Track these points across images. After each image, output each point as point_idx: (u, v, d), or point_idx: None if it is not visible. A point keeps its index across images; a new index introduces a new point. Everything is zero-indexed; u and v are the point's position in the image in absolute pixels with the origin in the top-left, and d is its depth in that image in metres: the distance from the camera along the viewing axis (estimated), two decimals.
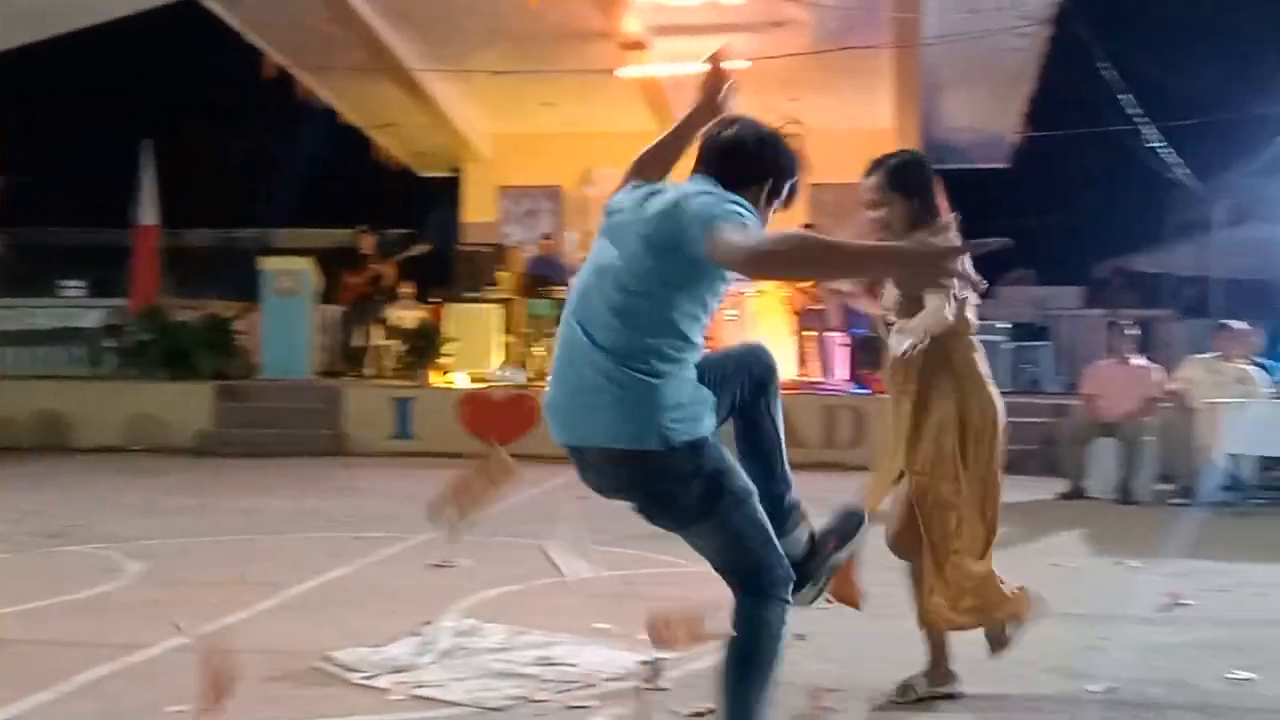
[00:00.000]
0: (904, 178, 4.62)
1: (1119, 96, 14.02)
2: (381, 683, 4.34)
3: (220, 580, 6.24)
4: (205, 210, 21.56)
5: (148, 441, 12.82)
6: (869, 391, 12.81)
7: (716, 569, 3.46)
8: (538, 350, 14.41)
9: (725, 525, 3.29)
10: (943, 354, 4.32)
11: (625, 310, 3.12)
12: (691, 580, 6.33)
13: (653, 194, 3.40)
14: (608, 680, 4.36)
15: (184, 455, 12.35)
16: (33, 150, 21.51)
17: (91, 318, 15.12)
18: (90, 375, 14.42)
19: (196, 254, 21.25)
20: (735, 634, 3.31)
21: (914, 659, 4.78)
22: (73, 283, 17.25)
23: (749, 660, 3.26)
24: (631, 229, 3.28)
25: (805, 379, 13.99)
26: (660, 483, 3.21)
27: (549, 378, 3.52)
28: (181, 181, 17.04)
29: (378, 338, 14.84)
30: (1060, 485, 9.96)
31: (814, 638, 5.03)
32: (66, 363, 14.95)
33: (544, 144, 16.83)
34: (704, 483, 3.17)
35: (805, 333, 14.42)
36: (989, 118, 16.12)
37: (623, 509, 3.46)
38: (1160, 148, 15.30)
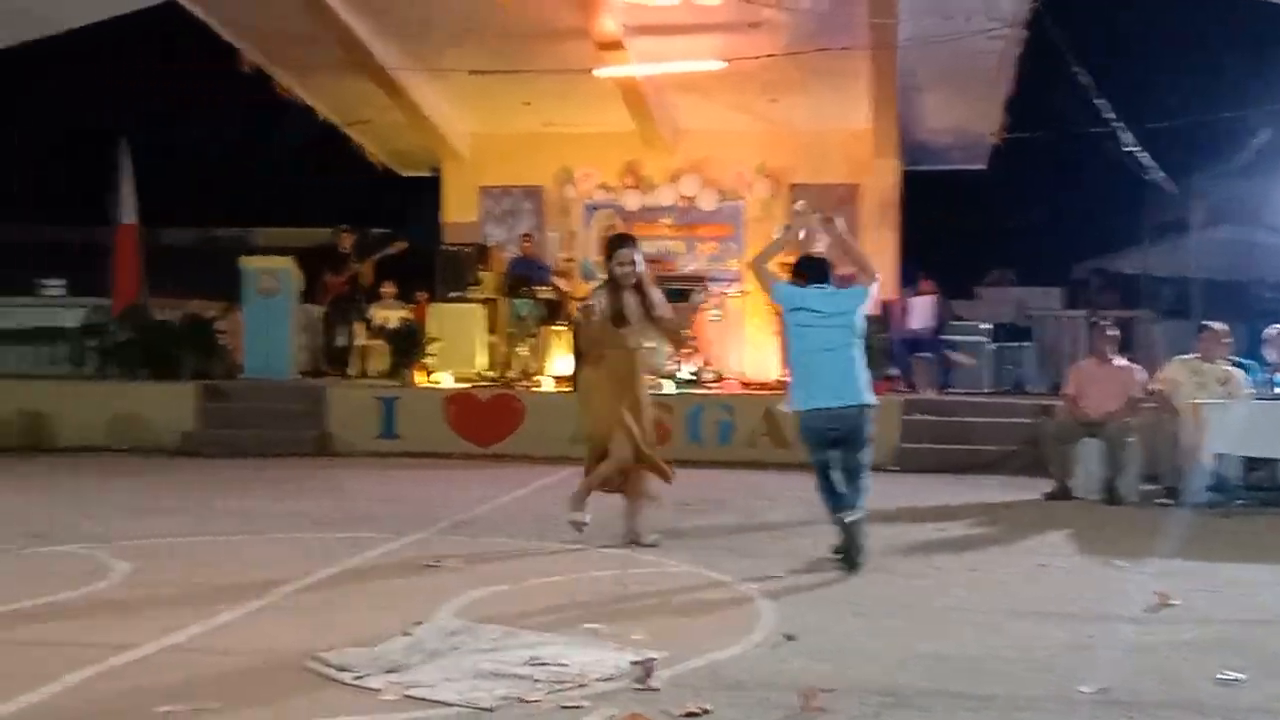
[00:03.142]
0: None
1: (1095, 100, 14.09)
2: (373, 683, 4.34)
3: (208, 580, 6.22)
4: (185, 209, 21.48)
5: (131, 441, 12.76)
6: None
7: (850, 469, 6.92)
8: (522, 351, 14.42)
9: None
10: None
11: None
12: (678, 580, 6.38)
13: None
14: (599, 680, 4.37)
15: (168, 455, 12.30)
16: (11, 148, 21.41)
17: (72, 317, 15.03)
18: (72, 375, 14.34)
19: (177, 253, 21.13)
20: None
21: (904, 657, 4.82)
22: (53, 281, 17.11)
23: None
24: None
25: (789, 380, 14.01)
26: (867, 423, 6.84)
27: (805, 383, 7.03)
28: (161, 180, 16.96)
29: (361, 337, 14.81)
30: (1046, 485, 10.02)
31: (804, 637, 5.06)
32: (48, 362, 14.85)
33: (524, 143, 16.82)
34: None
35: None
36: (967, 119, 16.19)
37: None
38: (1136, 151, 15.38)
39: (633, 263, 7.26)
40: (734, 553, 7.14)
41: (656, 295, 7.38)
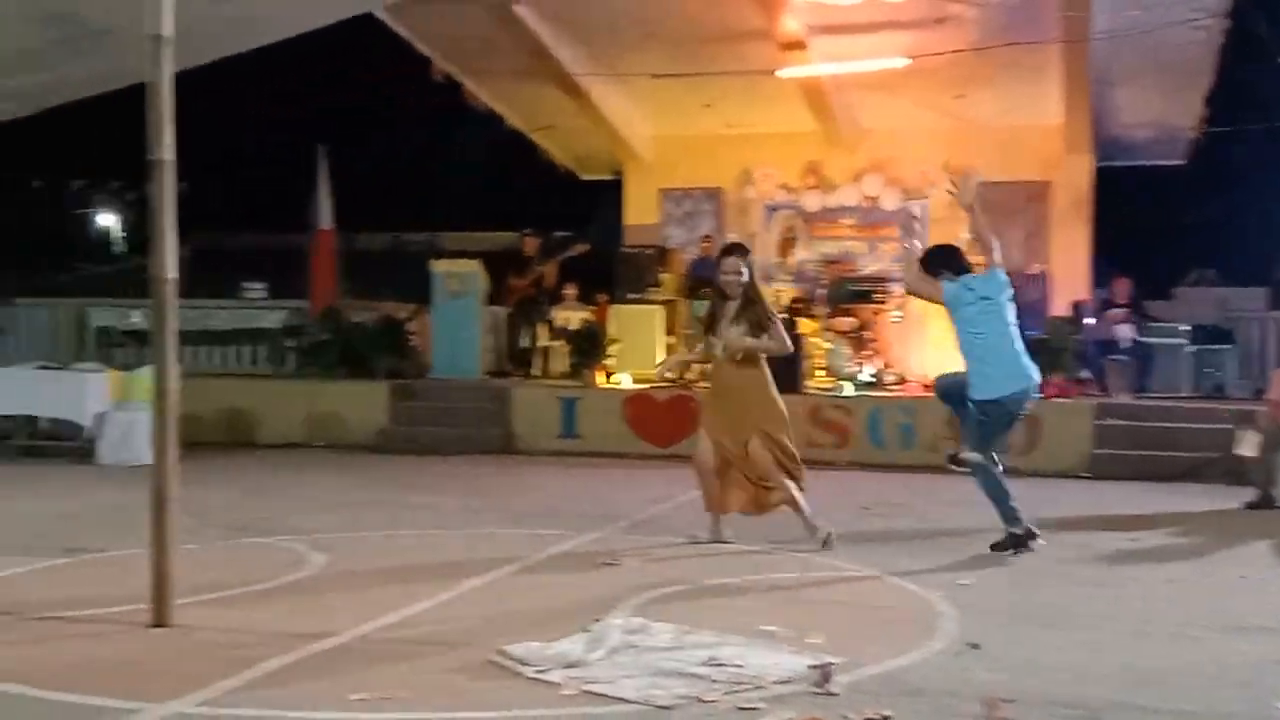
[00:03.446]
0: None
1: None
2: (553, 677, 4.41)
3: (398, 573, 6.43)
4: (378, 214, 22.21)
5: (328, 438, 13.29)
6: (1040, 395, 12.46)
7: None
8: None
9: None
10: None
11: None
12: (858, 585, 6.30)
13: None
14: (777, 683, 4.35)
15: (362, 452, 12.76)
16: (216, 158, 22.50)
17: (273, 319, 15.69)
18: (273, 374, 14.99)
19: (370, 257, 21.90)
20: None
21: (1092, 668, 4.67)
22: (255, 285, 17.89)
23: None
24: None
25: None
26: None
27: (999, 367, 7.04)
28: (355, 186, 17.58)
29: (543, 339, 15.08)
30: (1247, 494, 9.56)
31: (988, 646, 4.95)
32: (250, 362, 15.56)
33: (704, 145, 16.87)
34: None
35: None
36: (1165, 113, 15.56)
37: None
38: None
39: (737, 272, 7.24)
40: (916, 558, 7.02)
41: (763, 310, 7.29)
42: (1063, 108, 14.64)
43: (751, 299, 7.26)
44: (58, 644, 4.90)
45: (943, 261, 7.29)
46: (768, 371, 7.32)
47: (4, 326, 15.88)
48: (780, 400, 7.33)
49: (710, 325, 7.30)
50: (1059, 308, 14.70)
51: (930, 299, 7.44)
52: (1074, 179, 15.83)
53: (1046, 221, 16.01)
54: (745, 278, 7.26)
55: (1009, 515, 7.07)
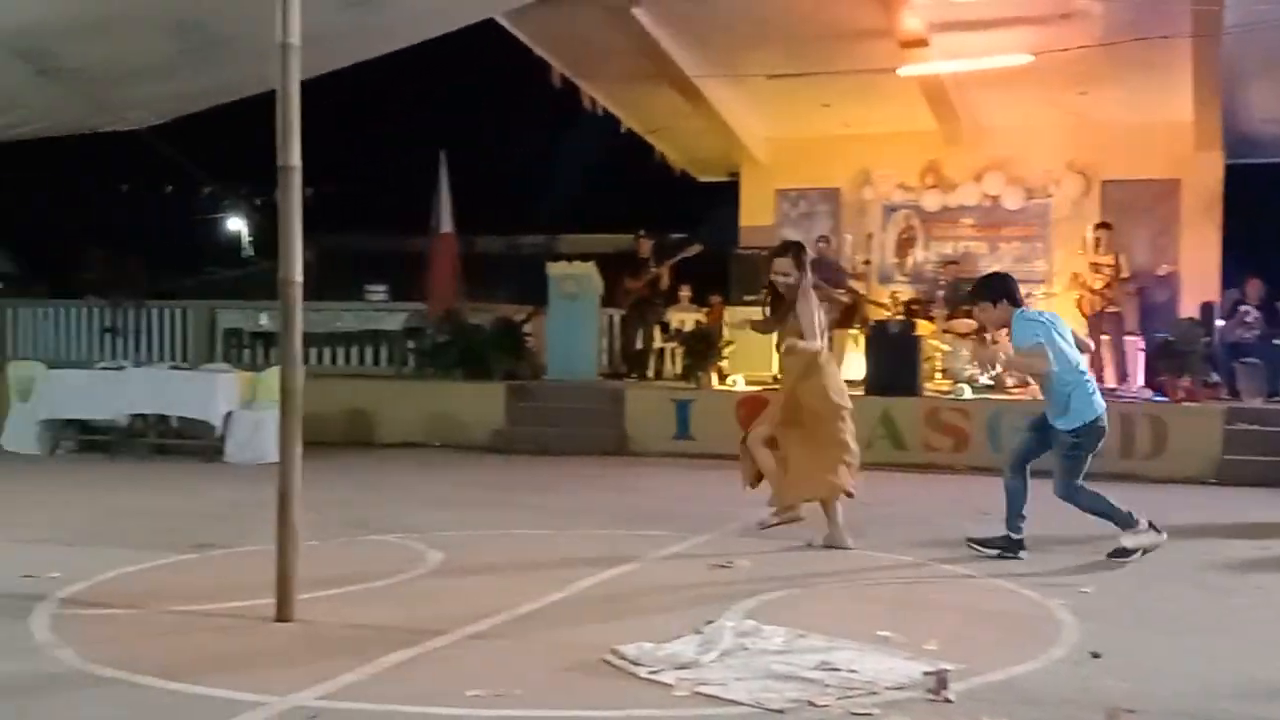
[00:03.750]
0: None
1: None
2: (666, 678, 4.43)
3: (512, 571, 6.51)
4: (496, 217, 22.48)
5: (446, 438, 13.52)
6: (1168, 399, 12.14)
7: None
8: None
9: None
10: None
11: None
12: (975, 591, 6.20)
13: None
14: (891, 689, 4.31)
15: (478, 451, 12.95)
16: (339, 162, 22.99)
17: (394, 320, 15.99)
18: (393, 375, 15.28)
19: (488, 259, 22.17)
20: None
21: (1216, 678, 4.53)
22: (376, 287, 18.23)
23: None
24: None
25: (1099, 386, 13.37)
26: None
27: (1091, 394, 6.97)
28: (474, 189, 17.81)
29: (658, 340, 15.12)
30: None
31: (1110, 655, 4.83)
32: (372, 363, 15.88)
33: (821, 146, 16.76)
34: None
35: (1100, 336, 13.80)
36: None
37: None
38: None
39: (784, 273, 7.27)
40: (1036, 564, 6.88)
41: (806, 312, 7.23)
42: (1192, 104, 14.22)
43: (800, 298, 7.27)
44: (186, 637, 5.06)
45: (1004, 290, 7.16)
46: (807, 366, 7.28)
47: (120, 328, 16.43)
48: (818, 394, 7.25)
49: (763, 324, 7.53)
50: (1188, 309, 14.29)
51: (1038, 351, 6.89)
52: (1204, 177, 15.38)
53: (1175, 221, 15.58)
54: (792, 279, 7.27)
55: (1124, 519, 6.99)
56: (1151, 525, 7.01)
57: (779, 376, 7.73)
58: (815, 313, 7.26)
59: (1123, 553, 6.95)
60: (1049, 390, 6.96)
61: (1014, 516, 7.10)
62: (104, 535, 7.50)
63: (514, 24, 14.18)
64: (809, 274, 7.39)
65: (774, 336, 7.54)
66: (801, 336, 7.18)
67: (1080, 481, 7.02)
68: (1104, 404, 7.04)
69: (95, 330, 16.62)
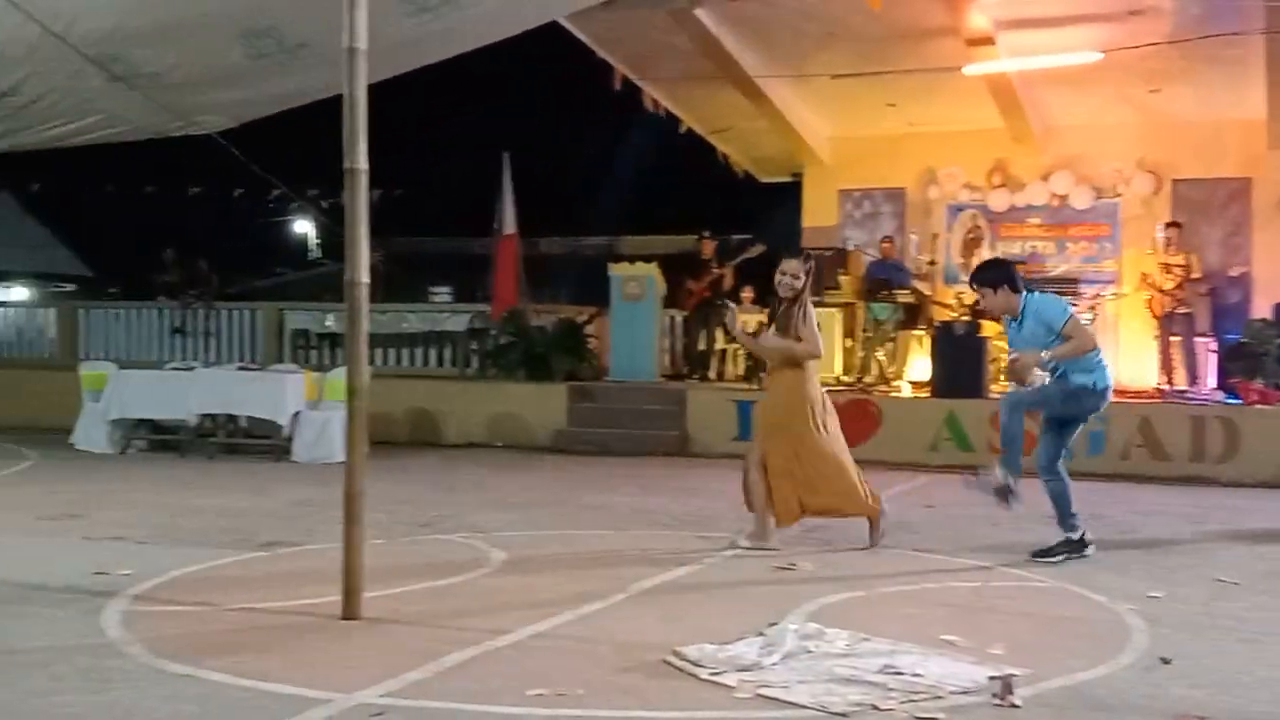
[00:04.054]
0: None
1: None
2: (728, 680, 4.41)
3: (575, 571, 6.53)
4: (558, 218, 22.57)
5: (509, 438, 13.60)
6: (1240, 401, 11.91)
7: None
8: (879, 355, 14.26)
9: None
10: None
11: None
12: (1043, 596, 6.12)
13: None
14: (956, 693, 4.26)
15: (541, 452, 13.00)
16: (405, 165, 23.23)
17: (457, 321, 16.10)
18: (456, 375, 15.39)
19: (550, 260, 22.24)
20: None
21: None
22: (441, 289, 18.39)
23: None
24: None
25: (1170, 387, 13.17)
26: None
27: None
28: (537, 191, 17.89)
29: (720, 342, 15.09)
30: None
31: (1181, 661, 4.75)
32: (436, 364, 15.99)
33: (884, 145, 16.64)
34: None
35: (1170, 337, 13.59)
36: None
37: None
38: None
39: (794, 275, 7.22)
40: (1105, 569, 6.78)
41: (804, 316, 7.26)
42: (1265, 101, 13.94)
43: (799, 302, 7.25)
44: (253, 634, 5.13)
45: (1004, 275, 7.07)
46: (803, 375, 7.27)
47: (189, 329, 16.69)
48: (810, 404, 7.22)
49: (777, 328, 7.35)
50: (1260, 310, 14.01)
51: (1083, 347, 6.93)
52: (1277, 176, 15.06)
53: (1248, 220, 15.27)
54: (800, 283, 7.25)
55: (1071, 522, 6.96)
56: (1085, 540, 6.95)
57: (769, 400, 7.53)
58: (816, 324, 7.30)
59: (1048, 553, 6.89)
60: (1076, 358, 6.85)
61: (1066, 517, 7.02)
62: (174, 533, 7.62)
63: (577, 26, 14.22)
64: (809, 290, 7.36)
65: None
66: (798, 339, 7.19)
67: (1023, 417, 6.97)
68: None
69: (165, 331, 16.90)
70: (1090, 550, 6.96)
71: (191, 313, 16.74)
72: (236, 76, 11.46)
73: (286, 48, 10.69)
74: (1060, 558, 6.89)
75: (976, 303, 14.62)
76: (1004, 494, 6.94)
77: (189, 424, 12.50)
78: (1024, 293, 7.00)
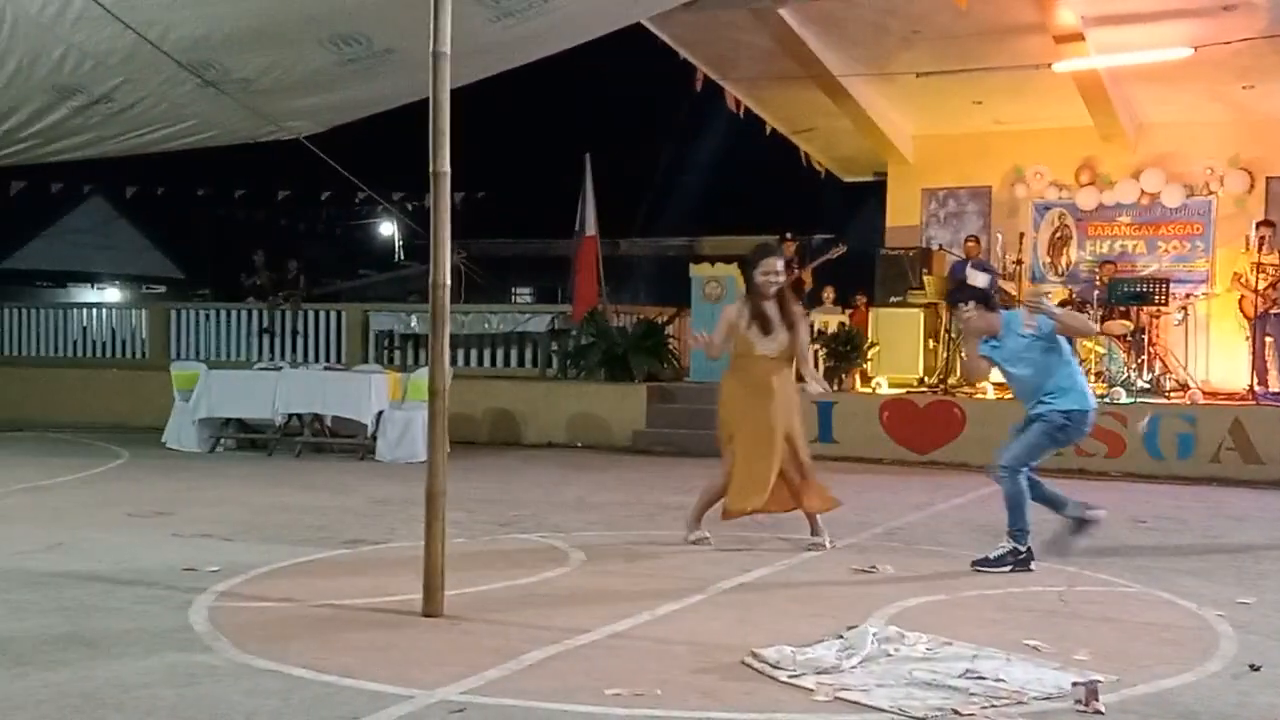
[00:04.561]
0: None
1: None
2: (806, 682, 4.39)
3: (653, 572, 6.54)
4: (640, 219, 22.62)
5: (588, 439, 13.65)
6: None
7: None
8: (964, 356, 14.09)
9: None
10: None
11: None
12: (1129, 601, 6.01)
13: None
14: (1038, 699, 4.20)
15: (620, 453, 13.04)
16: (489, 169, 23.42)
17: (539, 322, 16.19)
18: (537, 376, 15.48)
19: (630, 261, 22.28)
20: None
21: None
22: (523, 290, 18.50)
23: None
24: None
25: (1262, 389, 12.85)
26: None
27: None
28: (619, 192, 17.94)
29: None
30: None
31: (1271, 669, 4.64)
32: (518, 364, 16.11)
33: (970, 144, 16.46)
34: None
35: (1264, 338, 13.26)
36: None
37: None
38: None
39: (778, 272, 7.16)
40: (1193, 575, 6.65)
41: (798, 308, 7.27)
42: None
43: (785, 298, 7.26)
44: (336, 630, 5.20)
45: (981, 295, 6.99)
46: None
47: (277, 329, 16.95)
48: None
49: (764, 326, 7.20)
50: None
51: (1078, 321, 7.15)
52: None
53: None
54: (784, 279, 7.26)
55: (1022, 529, 6.69)
56: (1030, 553, 6.68)
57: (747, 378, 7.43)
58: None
59: (990, 563, 6.68)
60: (1056, 377, 6.69)
61: (1015, 524, 6.70)
62: (260, 530, 7.76)
63: (659, 27, 14.26)
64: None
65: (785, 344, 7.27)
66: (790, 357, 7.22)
67: (1026, 470, 6.73)
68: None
69: (254, 332, 17.22)
70: (1034, 566, 6.66)
71: (279, 314, 17.03)
72: (324, 82, 11.67)
73: (374, 53, 10.86)
74: (1007, 568, 6.63)
75: (1064, 303, 14.46)
76: (1080, 526, 6.80)
77: (276, 423, 12.72)
78: (1000, 311, 6.90)
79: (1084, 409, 6.74)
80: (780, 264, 7.24)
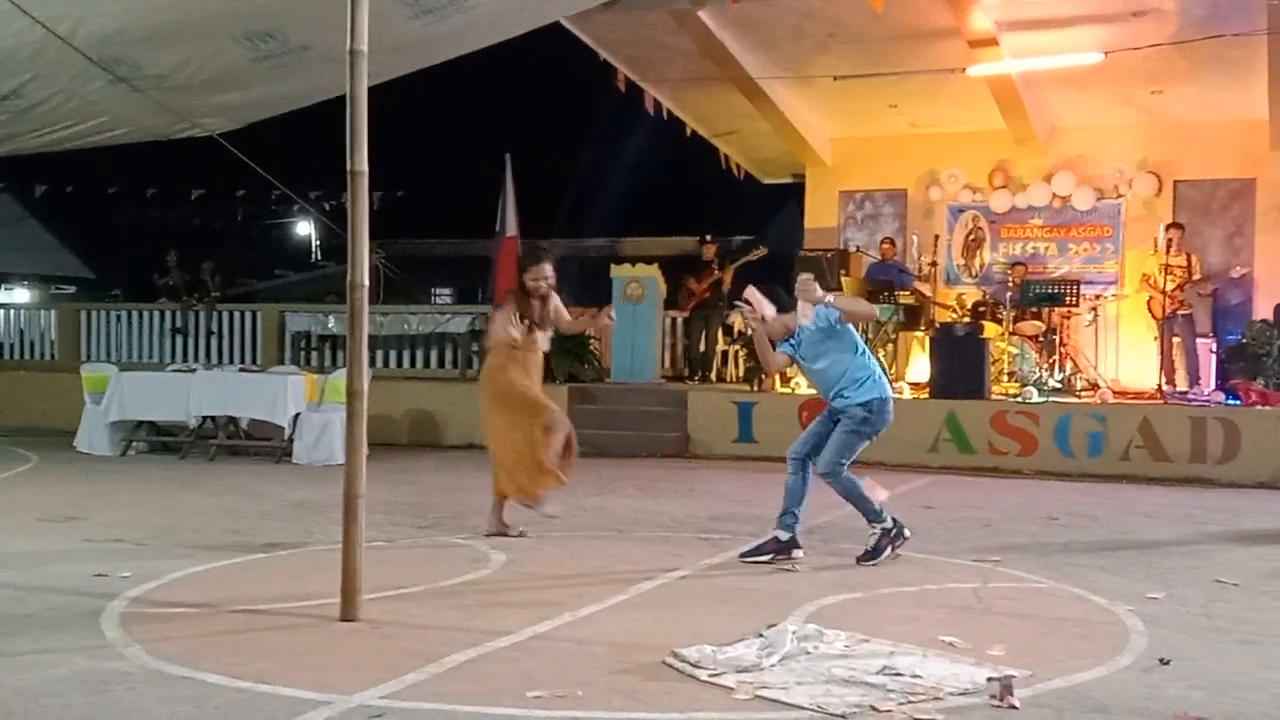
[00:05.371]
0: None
1: None
2: (726, 681, 4.42)
3: (573, 574, 6.53)
4: (559, 220, 22.59)
5: None
6: (1240, 402, 11.91)
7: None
8: (880, 356, 14.25)
9: None
10: None
11: None
12: (1042, 597, 6.12)
13: None
14: (955, 694, 4.27)
15: None
16: (407, 168, 23.24)
17: (459, 323, 16.10)
18: (458, 377, 15.39)
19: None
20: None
21: None
22: (443, 290, 18.38)
23: None
24: None
25: (1170, 388, 13.17)
26: None
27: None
28: (538, 193, 17.89)
29: (721, 343, 15.09)
30: None
31: (1180, 663, 4.75)
32: (437, 365, 16.00)
33: (886, 147, 16.67)
34: None
35: (1171, 338, 13.59)
36: None
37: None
38: None
39: (547, 278, 7.76)
40: (1104, 571, 6.79)
41: (557, 301, 7.89)
42: (1268, 102, 13.94)
43: (549, 298, 7.82)
44: (252, 636, 5.13)
45: (775, 297, 7.19)
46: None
47: (190, 330, 16.68)
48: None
49: (540, 323, 7.77)
50: (1262, 311, 14.02)
51: (861, 306, 7.52)
52: None
53: (1250, 222, 15.30)
54: (552, 281, 7.82)
55: (874, 513, 6.93)
56: (898, 524, 6.93)
57: (518, 368, 7.91)
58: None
59: (873, 554, 6.85)
60: (850, 369, 6.85)
61: (786, 513, 6.91)
62: (173, 535, 7.63)
63: (579, 28, 14.24)
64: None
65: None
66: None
67: (846, 466, 6.89)
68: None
69: (167, 333, 16.92)
70: (799, 554, 6.85)
71: (193, 314, 16.75)
72: (239, 79, 11.48)
73: (289, 50, 10.71)
74: (768, 556, 6.81)
75: (978, 304, 14.69)
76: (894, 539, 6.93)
77: (190, 426, 12.51)
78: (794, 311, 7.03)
79: (882, 397, 6.88)
80: (549, 269, 7.82)
